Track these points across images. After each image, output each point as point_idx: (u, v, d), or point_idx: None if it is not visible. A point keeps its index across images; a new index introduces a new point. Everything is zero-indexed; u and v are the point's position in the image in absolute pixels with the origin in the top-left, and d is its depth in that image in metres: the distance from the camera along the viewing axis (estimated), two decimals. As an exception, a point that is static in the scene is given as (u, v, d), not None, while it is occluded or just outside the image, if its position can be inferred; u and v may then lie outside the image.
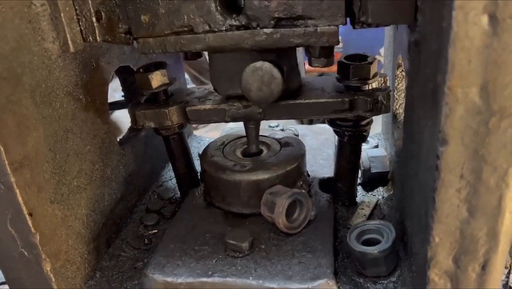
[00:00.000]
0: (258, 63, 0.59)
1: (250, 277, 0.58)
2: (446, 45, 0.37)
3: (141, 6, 0.56)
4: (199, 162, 0.81)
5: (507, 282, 0.77)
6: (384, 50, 0.92)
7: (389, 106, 0.66)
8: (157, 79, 0.70)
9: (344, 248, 0.66)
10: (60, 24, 0.56)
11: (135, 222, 0.79)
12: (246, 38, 0.56)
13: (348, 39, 2.11)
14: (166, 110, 0.69)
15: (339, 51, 2.31)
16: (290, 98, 0.66)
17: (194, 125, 1.34)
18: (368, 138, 0.88)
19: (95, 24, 0.58)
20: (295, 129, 0.98)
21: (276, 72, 0.59)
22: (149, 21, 0.56)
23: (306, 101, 0.66)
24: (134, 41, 0.59)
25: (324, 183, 0.80)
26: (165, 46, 0.58)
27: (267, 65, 0.59)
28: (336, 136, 0.74)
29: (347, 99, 0.64)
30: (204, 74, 3.03)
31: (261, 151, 0.77)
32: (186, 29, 0.57)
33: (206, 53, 0.68)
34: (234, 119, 0.69)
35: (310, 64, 0.63)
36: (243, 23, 0.55)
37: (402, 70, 0.76)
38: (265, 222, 0.68)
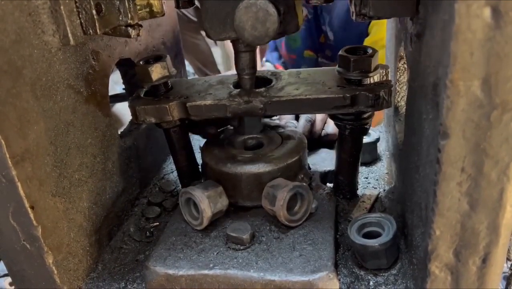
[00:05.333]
0: None
1: (251, 270, 0.59)
2: (448, 38, 0.37)
3: None
4: (200, 154, 0.81)
5: (511, 274, 0.77)
6: (386, 42, 0.91)
7: (391, 101, 0.65)
8: (157, 71, 0.70)
9: (345, 241, 0.66)
10: (60, 17, 0.56)
11: (136, 214, 0.79)
12: None
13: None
14: (167, 106, 0.69)
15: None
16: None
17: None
18: (370, 131, 0.88)
19: (95, 16, 0.58)
20: (296, 122, 0.98)
21: (271, 9, 0.56)
22: None
23: (307, 97, 0.65)
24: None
25: (325, 176, 0.80)
26: None
27: (262, 0, 0.56)
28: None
29: (348, 95, 0.63)
30: (208, 66, 3.02)
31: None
32: None
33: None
34: (235, 114, 0.69)
35: (307, 1, 0.61)
36: None
37: (404, 62, 0.75)
38: (266, 215, 0.68)
